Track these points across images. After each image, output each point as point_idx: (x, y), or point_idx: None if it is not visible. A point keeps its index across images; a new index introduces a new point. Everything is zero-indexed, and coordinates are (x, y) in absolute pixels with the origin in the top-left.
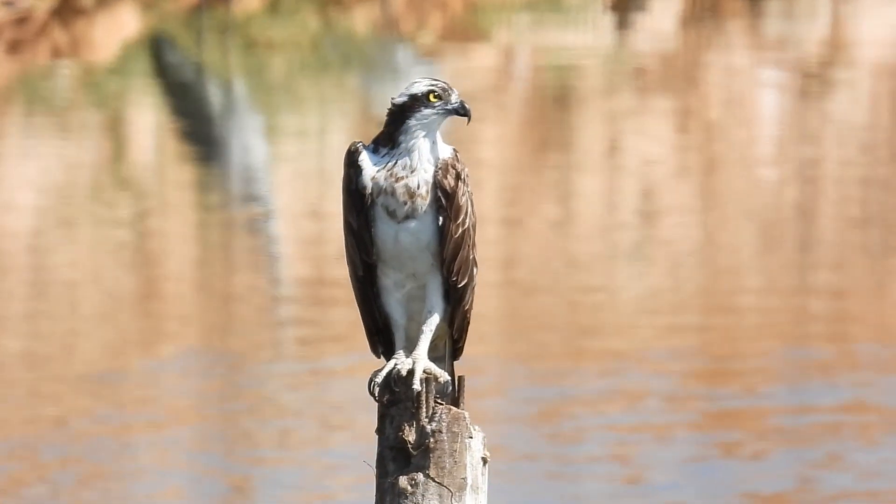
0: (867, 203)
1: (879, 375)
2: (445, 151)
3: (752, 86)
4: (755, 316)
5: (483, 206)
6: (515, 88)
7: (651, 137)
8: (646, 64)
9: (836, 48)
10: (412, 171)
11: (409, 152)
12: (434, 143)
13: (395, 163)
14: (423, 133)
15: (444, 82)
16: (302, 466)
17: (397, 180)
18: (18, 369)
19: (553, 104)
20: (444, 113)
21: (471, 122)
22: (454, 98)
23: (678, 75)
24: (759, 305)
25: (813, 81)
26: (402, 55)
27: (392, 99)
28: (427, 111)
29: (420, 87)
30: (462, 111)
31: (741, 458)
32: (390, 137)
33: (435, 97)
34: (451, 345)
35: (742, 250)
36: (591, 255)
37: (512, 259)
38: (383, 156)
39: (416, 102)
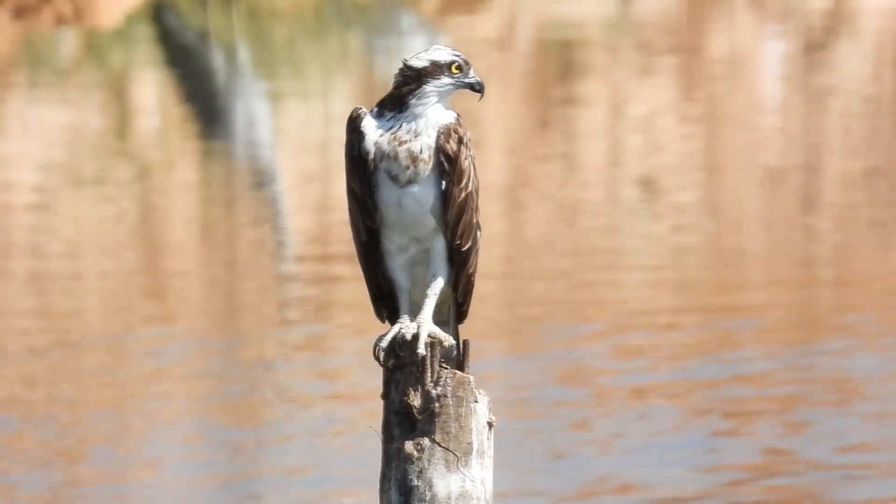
0: (870, 163)
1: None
2: (447, 116)
3: (755, 52)
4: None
5: (486, 175)
6: (517, 56)
7: (654, 104)
8: (648, 31)
9: (839, 16)
10: (416, 136)
11: (416, 117)
12: (439, 110)
13: (401, 126)
14: (436, 100)
15: (463, 56)
16: (308, 434)
17: (400, 144)
18: (17, 347)
19: (555, 72)
20: (460, 85)
21: (475, 93)
22: (472, 73)
23: (681, 42)
24: (765, 300)
25: (816, 47)
26: (406, 21)
27: (406, 61)
28: (445, 79)
29: (443, 55)
30: (478, 87)
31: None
32: (399, 100)
33: (457, 68)
34: (455, 308)
35: (746, 207)
36: (597, 219)
37: (516, 227)
38: (388, 119)
39: (436, 69)
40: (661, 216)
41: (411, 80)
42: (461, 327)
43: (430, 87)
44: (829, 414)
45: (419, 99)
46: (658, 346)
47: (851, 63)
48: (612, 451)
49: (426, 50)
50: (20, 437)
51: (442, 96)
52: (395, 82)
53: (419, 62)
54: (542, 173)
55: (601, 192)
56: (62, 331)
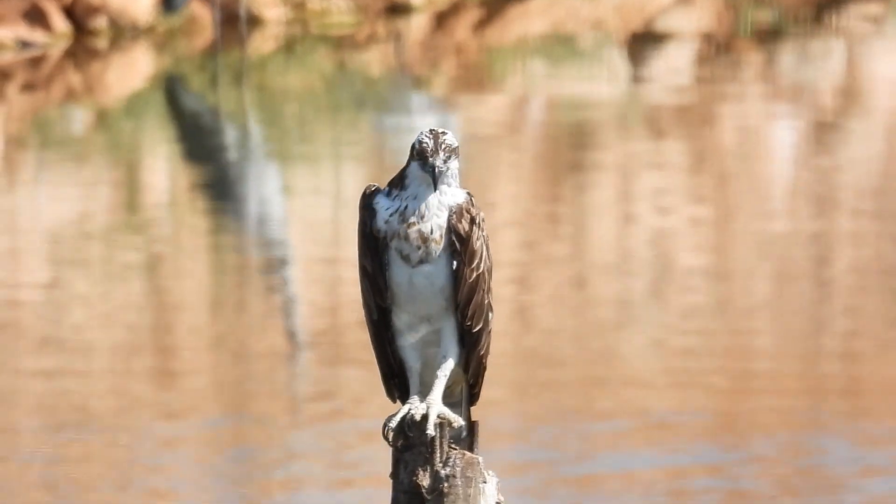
0: (883, 248)
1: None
2: (459, 196)
3: (766, 130)
4: (769, 381)
5: (495, 253)
6: (529, 135)
7: (665, 184)
8: (660, 107)
9: (850, 91)
10: (422, 218)
11: (415, 198)
12: (441, 192)
13: (406, 207)
14: (425, 183)
15: (433, 142)
16: None
17: (409, 226)
18: (30, 432)
19: (567, 151)
20: (423, 171)
21: (482, 170)
22: (430, 161)
23: (692, 119)
24: (774, 370)
25: (827, 126)
26: (417, 101)
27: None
28: (415, 164)
29: (416, 138)
30: (431, 178)
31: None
32: (401, 180)
33: (417, 155)
34: (467, 390)
35: (756, 298)
36: (605, 306)
37: (525, 309)
38: (394, 198)
39: (412, 151)
40: (669, 309)
41: (407, 162)
42: (473, 409)
43: (412, 169)
44: None
45: (410, 179)
46: (665, 435)
47: (863, 143)
48: None
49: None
50: None
51: (424, 179)
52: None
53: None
54: (550, 256)
55: (609, 276)
56: (71, 411)
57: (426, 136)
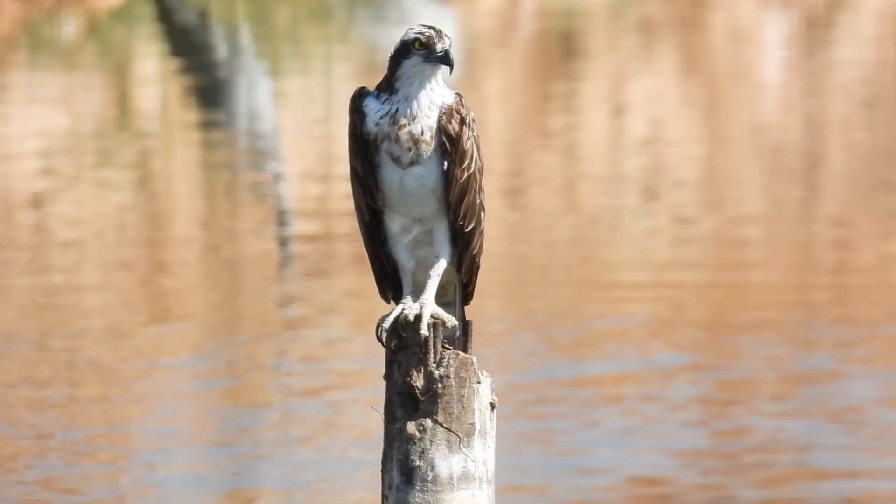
0: (872, 140)
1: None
2: (449, 97)
3: (757, 27)
4: (761, 272)
5: (487, 153)
6: (520, 34)
7: (656, 82)
8: (650, 9)
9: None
10: (413, 119)
11: (406, 99)
12: (432, 90)
13: (397, 110)
14: (418, 80)
15: (435, 30)
16: (307, 420)
17: (400, 128)
18: (18, 342)
19: (557, 49)
20: (429, 61)
21: (475, 69)
22: (439, 46)
23: (683, 19)
24: (766, 262)
25: (818, 23)
26: (410, 1)
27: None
28: (415, 58)
29: (408, 34)
30: (445, 60)
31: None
32: (389, 83)
33: (420, 45)
34: (461, 290)
35: (747, 186)
36: (598, 202)
37: (517, 209)
38: (384, 102)
39: (405, 49)
40: (662, 206)
41: (393, 64)
42: (467, 308)
43: (406, 68)
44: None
45: (401, 81)
46: (656, 335)
47: (853, 39)
48: (620, 430)
49: (405, 32)
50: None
51: (421, 75)
52: (388, 66)
53: (396, 45)
54: (542, 155)
55: (601, 174)
56: (61, 321)
57: (423, 28)
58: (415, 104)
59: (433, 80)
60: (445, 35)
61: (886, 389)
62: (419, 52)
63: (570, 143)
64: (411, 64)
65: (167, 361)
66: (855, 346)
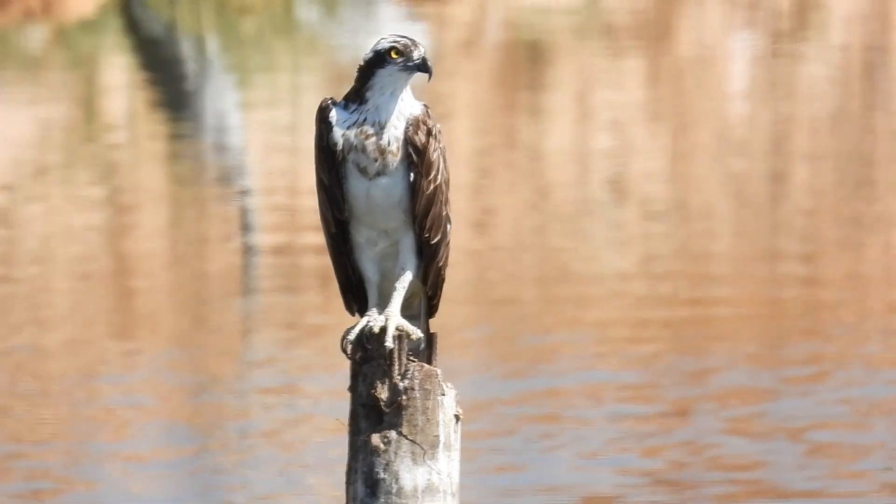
0: (838, 153)
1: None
2: (416, 108)
3: (723, 40)
4: (727, 287)
5: (453, 162)
6: (488, 44)
7: (622, 92)
8: (618, 18)
9: (807, 5)
10: (381, 129)
11: (376, 109)
12: (402, 99)
13: (364, 119)
14: (390, 90)
15: (409, 38)
16: (272, 433)
17: (367, 138)
18: None
19: (525, 59)
20: (405, 69)
21: (441, 80)
22: (416, 54)
23: (650, 31)
24: (732, 289)
25: (784, 37)
26: (379, 12)
27: (364, 56)
28: (390, 67)
29: (383, 43)
30: (423, 68)
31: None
32: (358, 94)
33: (397, 53)
34: (426, 302)
35: (713, 204)
36: (563, 213)
37: (483, 217)
38: (352, 112)
39: (380, 59)
40: (628, 216)
41: (365, 73)
42: (432, 321)
43: (379, 78)
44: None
45: (372, 91)
46: (622, 346)
47: (820, 53)
48: (584, 444)
49: (375, 42)
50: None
51: (394, 84)
52: (355, 77)
53: (366, 55)
54: (508, 165)
55: (566, 185)
56: (27, 342)
57: (397, 37)
58: (384, 113)
59: (405, 91)
60: (420, 43)
61: (848, 408)
62: (395, 60)
63: (535, 154)
64: (386, 73)
65: (129, 376)
66: (816, 364)
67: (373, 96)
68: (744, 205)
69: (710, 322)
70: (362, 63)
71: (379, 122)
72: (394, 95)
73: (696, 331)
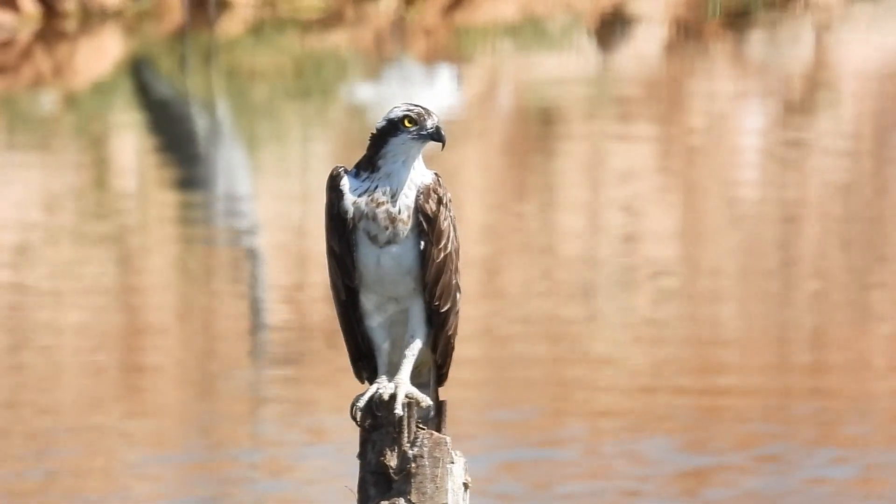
0: (850, 226)
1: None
2: (427, 176)
3: (734, 112)
4: (737, 356)
5: (463, 234)
6: (498, 114)
7: (634, 164)
8: (629, 89)
9: (819, 76)
10: (392, 197)
11: (388, 177)
12: (414, 168)
13: (376, 188)
14: (403, 158)
15: (423, 107)
16: (283, 499)
17: (378, 206)
18: None
19: (535, 130)
20: (419, 138)
21: (452, 148)
22: (430, 123)
23: (661, 101)
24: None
25: (796, 109)
26: (410, 67)
27: (377, 124)
28: (403, 136)
29: (396, 112)
30: (437, 137)
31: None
32: (370, 162)
33: (410, 122)
34: (435, 371)
35: (724, 282)
36: (574, 289)
37: (493, 290)
38: (363, 180)
39: (393, 127)
40: (638, 291)
41: (377, 142)
42: (441, 390)
43: (392, 146)
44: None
45: (385, 160)
46: (634, 428)
47: (831, 125)
48: None
49: (388, 111)
50: None
51: (406, 153)
52: (368, 145)
53: (379, 124)
54: (518, 238)
55: (578, 259)
56: (34, 413)
57: (410, 105)
58: (395, 181)
59: (417, 160)
60: (433, 112)
61: (861, 473)
62: (408, 129)
63: (546, 223)
64: (399, 142)
65: (139, 456)
66: (830, 430)
67: (385, 164)
68: (754, 287)
69: (721, 408)
70: (375, 131)
71: (390, 189)
72: (406, 164)
73: (703, 422)
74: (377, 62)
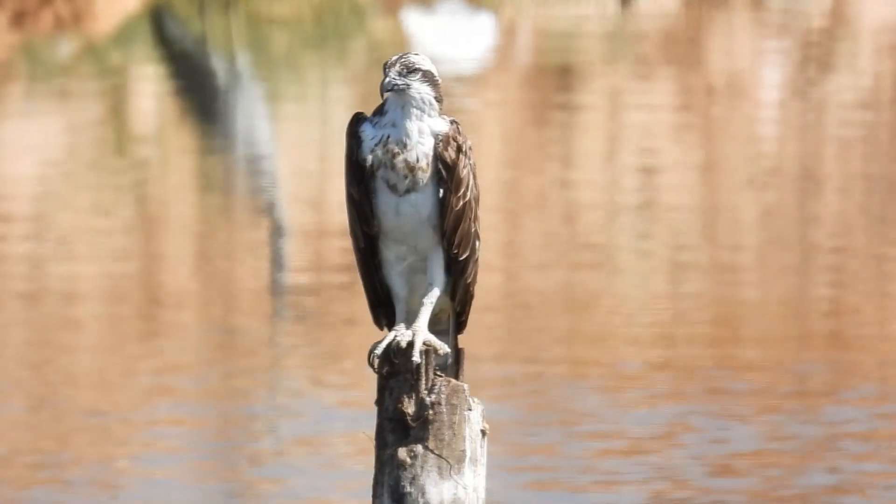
0: (868, 173)
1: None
2: (443, 124)
3: (754, 60)
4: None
5: (484, 178)
6: (518, 61)
7: (652, 109)
8: (648, 39)
9: (838, 27)
10: (404, 147)
11: (393, 125)
12: (418, 117)
13: (388, 136)
14: (399, 105)
15: (396, 58)
16: (301, 441)
17: (394, 155)
18: (14, 366)
19: (555, 77)
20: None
21: (472, 94)
22: (387, 74)
23: (680, 49)
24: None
25: (814, 58)
26: (457, 7)
27: None
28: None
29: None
30: (381, 89)
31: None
32: (381, 107)
33: (384, 72)
34: (454, 318)
35: (742, 218)
36: (593, 227)
37: (513, 233)
38: (377, 126)
39: (384, 73)
40: (657, 241)
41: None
42: (461, 337)
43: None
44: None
45: (388, 104)
46: (648, 369)
47: (849, 74)
48: (610, 457)
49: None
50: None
51: (396, 101)
52: None
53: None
54: (538, 181)
55: (597, 199)
56: (55, 344)
57: (400, 54)
58: (403, 130)
59: (416, 108)
60: (404, 61)
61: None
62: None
63: (564, 173)
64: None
65: (159, 408)
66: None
67: (389, 109)
68: (772, 237)
69: (740, 359)
70: None
71: (399, 139)
72: (405, 111)
73: (727, 366)
74: (395, 6)
